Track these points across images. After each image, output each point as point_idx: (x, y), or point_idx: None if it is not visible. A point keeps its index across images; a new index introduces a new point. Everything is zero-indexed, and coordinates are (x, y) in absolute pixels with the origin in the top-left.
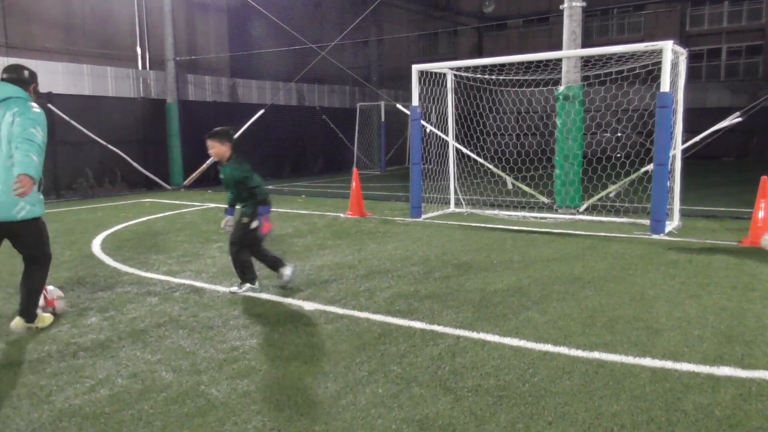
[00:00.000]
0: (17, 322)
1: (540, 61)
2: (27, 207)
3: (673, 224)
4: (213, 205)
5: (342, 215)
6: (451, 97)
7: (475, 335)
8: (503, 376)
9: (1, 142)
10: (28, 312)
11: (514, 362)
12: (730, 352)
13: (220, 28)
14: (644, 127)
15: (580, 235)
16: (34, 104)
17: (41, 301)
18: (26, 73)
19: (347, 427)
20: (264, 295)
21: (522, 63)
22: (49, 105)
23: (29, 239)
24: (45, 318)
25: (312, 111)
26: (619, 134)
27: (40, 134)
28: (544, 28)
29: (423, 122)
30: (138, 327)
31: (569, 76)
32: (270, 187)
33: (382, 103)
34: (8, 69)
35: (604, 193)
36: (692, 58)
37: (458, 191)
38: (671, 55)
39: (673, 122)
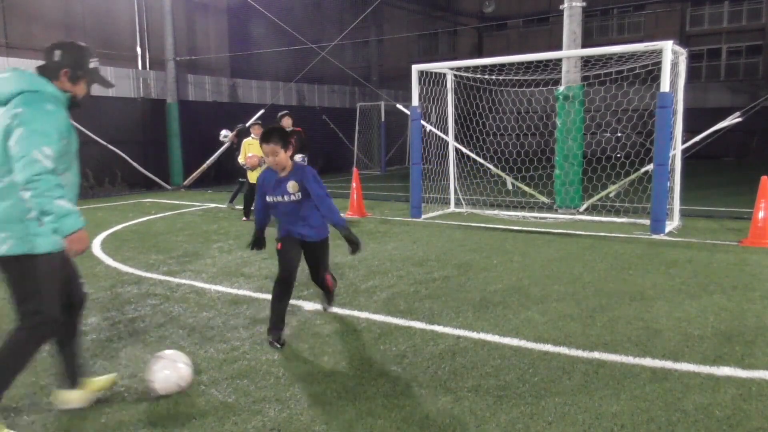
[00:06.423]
0: None
1: (540, 61)
2: (11, 240)
3: (673, 224)
4: (213, 205)
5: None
6: (451, 97)
7: (475, 335)
8: (503, 376)
9: None
10: None
11: (514, 362)
12: (730, 352)
13: (220, 28)
14: (644, 127)
15: (580, 235)
16: (50, 103)
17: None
18: (57, 53)
19: (347, 427)
20: (264, 296)
21: (522, 63)
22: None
23: (12, 287)
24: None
25: (312, 111)
26: (619, 134)
27: (47, 152)
28: (544, 28)
29: (423, 122)
30: (138, 327)
31: (569, 76)
32: None
33: (382, 103)
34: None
35: (604, 193)
36: (692, 58)
37: (458, 191)
38: (671, 55)
39: (673, 122)
